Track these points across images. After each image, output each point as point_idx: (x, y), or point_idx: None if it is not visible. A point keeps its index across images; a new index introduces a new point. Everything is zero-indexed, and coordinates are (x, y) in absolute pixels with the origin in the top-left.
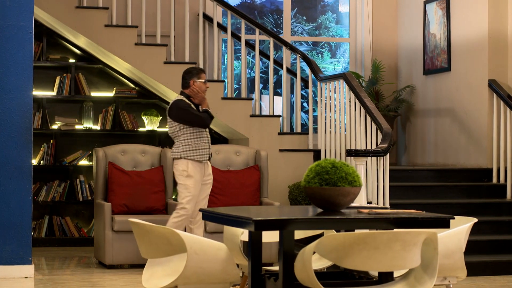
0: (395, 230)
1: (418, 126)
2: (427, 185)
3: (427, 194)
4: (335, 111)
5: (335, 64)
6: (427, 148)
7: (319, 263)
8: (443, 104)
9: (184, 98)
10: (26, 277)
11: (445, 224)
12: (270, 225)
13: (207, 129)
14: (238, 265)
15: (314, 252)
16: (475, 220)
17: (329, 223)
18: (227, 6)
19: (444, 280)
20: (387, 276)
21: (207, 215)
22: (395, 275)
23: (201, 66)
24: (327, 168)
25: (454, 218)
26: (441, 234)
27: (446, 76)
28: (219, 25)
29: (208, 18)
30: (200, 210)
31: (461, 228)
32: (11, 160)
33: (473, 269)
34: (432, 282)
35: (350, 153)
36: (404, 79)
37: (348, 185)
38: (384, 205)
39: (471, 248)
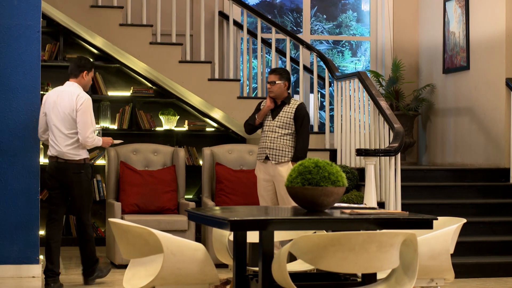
0: (372, 231)
1: (438, 125)
2: (443, 185)
3: (442, 194)
4: (350, 110)
5: (356, 63)
6: (446, 148)
7: (307, 264)
8: (463, 103)
9: (266, 100)
10: (33, 277)
11: (428, 225)
12: (246, 225)
13: (268, 130)
14: (228, 265)
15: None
16: (464, 220)
17: (308, 224)
18: (243, 4)
19: (431, 282)
20: (370, 278)
21: (191, 215)
22: (379, 276)
23: (217, 65)
24: (310, 167)
25: (437, 219)
26: (427, 235)
27: (465, 74)
28: (237, 24)
29: (225, 17)
30: (185, 210)
31: (447, 229)
32: (18, 159)
33: (485, 271)
34: (412, 283)
35: (360, 152)
36: (424, 78)
37: (331, 185)
38: (396, 205)
39: (484, 249)
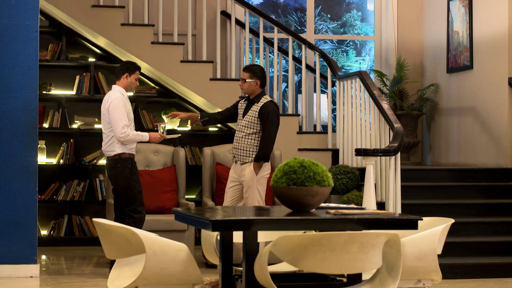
0: (353, 231)
1: (442, 125)
2: (444, 185)
3: (443, 194)
4: (352, 109)
5: (360, 63)
6: (451, 148)
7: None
8: (466, 103)
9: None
10: (31, 277)
11: (413, 226)
12: (229, 226)
13: (237, 129)
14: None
15: None
16: (452, 221)
17: (291, 224)
18: (245, 4)
19: (419, 283)
20: (355, 278)
21: (177, 215)
22: (365, 277)
23: (219, 64)
24: (295, 167)
25: (422, 219)
26: (414, 235)
27: (468, 74)
28: (240, 23)
29: (228, 16)
30: (172, 210)
31: (434, 229)
32: (16, 159)
33: (485, 271)
34: (395, 284)
35: (359, 152)
36: (429, 78)
37: (316, 185)
38: (395, 205)
39: (485, 249)
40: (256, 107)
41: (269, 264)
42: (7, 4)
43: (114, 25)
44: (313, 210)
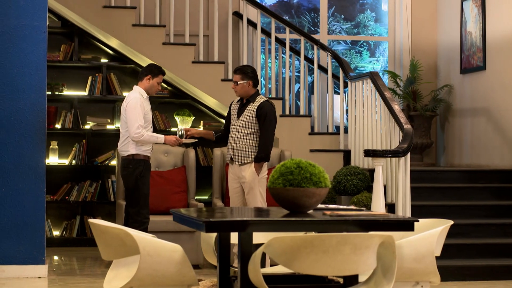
0: (346, 233)
1: (455, 126)
2: (456, 186)
3: (454, 195)
4: (363, 110)
5: (374, 64)
6: (464, 149)
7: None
8: (479, 104)
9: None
10: (39, 277)
11: (409, 227)
12: (222, 227)
13: (233, 130)
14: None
15: None
16: (451, 222)
17: (286, 225)
18: (257, 4)
19: (417, 285)
20: (351, 280)
21: (175, 216)
22: (361, 278)
23: (230, 65)
24: (292, 168)
25: (418, 221)
26: (412, 237)
27: (481, 75)
28: (253, 24)
29: (241, 17)
30: (170, 211)
31: (433, 231)
32: (24, 160)
33: (495, 273)
34: (390, 285)
35: (368, 153)
36: (442, 78)
37: (313, 186)
38: (405, 206)
39: (495, 251)
40: (253, 107)
41: (271, 265)
42: (15, 5)
43: (126, 26)
44: (310, 211)
